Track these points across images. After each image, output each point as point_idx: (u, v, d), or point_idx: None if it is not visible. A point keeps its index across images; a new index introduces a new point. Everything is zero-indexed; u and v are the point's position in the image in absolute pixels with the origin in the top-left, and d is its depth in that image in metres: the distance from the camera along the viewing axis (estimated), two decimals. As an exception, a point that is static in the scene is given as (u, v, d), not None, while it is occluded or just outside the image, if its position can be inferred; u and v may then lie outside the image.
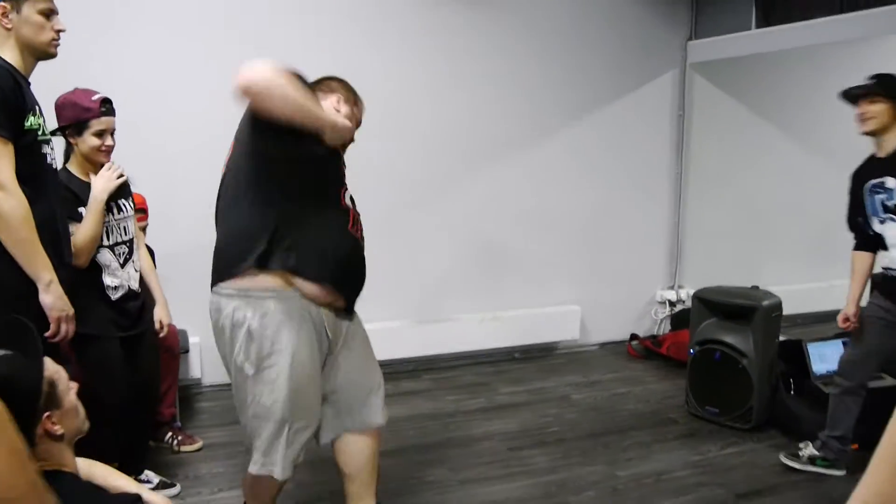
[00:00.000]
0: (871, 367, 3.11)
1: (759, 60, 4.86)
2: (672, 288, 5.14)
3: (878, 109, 2.83)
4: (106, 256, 2.68)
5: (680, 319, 4.87)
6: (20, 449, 0.99)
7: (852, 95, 2.93)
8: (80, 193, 2.63)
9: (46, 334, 2.14)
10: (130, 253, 2.80)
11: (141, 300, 2.84)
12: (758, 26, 4.42)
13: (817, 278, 5.49)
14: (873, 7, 3.69)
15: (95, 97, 2.64)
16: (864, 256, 3.05)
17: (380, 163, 4.18)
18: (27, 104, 2.16)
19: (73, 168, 2.68)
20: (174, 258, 3.62)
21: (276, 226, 2.06)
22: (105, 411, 2.48)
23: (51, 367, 1.40)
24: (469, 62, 4.42)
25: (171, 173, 3.80)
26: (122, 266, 2.74)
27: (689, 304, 4.87)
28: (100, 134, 2.65)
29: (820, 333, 4.39)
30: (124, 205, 2.80)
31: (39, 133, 2.20)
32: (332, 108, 2.23)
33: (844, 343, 3.81)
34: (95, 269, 2.65)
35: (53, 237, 2.23)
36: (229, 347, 2.12)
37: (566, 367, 4.63)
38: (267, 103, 1.90)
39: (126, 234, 2.78)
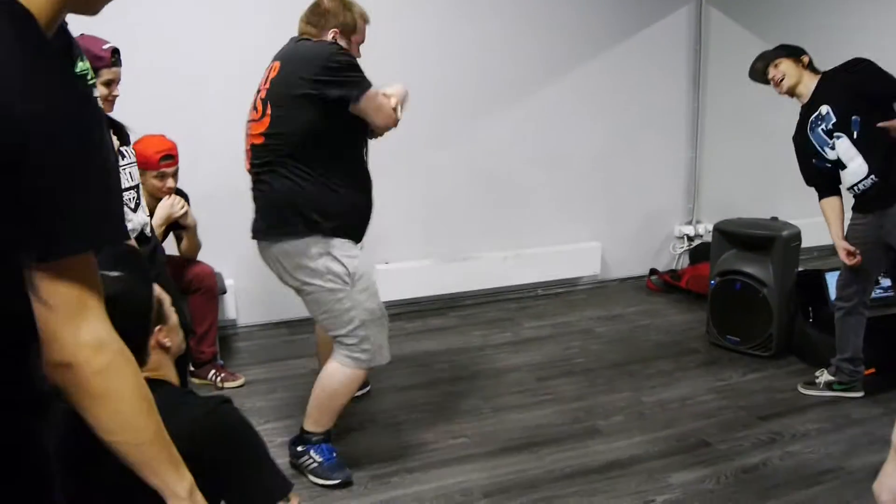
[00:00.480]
0: (866, 286, 3.23)
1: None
2: (690, 223, 5.22)
3: (784, 68, 3.11)
4: None
5: (698, 253, 4.97)
6: (147, 394, 1.06)
7: (757, 71, 3.22)
8: None
9: None
10: (139, 198, 2.89)
11: (153, 244, 2.90)
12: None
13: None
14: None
15: (106, 46, 2.66)
16: (833, 201, 3.22)
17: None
18: (74, 50, 2.20)
19: None
20: (207, 202, 3.71)
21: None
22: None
23: (156, 288, 1.55)
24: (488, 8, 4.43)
25: (201, 117, 3.86)
26: (134, 210, 2.84)
27: (707, 238, 4.95)
28: (108, 83, 2.68)
29: (837, 264, 4.49)
30: (126, 151, 2.87)
31: (89, 78, 2.25)
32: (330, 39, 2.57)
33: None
34: None
35: None
36: (321, 278, 2.49)
37: (587, 302, 4.75)
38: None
39: (132, 180, 2.86)
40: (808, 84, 3.12)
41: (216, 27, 3.90)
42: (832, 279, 3.87)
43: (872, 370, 3.47)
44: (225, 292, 3.85)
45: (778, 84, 3.16)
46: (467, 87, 4.47)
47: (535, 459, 2.81)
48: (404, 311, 4.48)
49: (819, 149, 3.12)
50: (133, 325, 1.42)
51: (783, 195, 5.14)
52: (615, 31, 4.80)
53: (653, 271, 5.10)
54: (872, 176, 2.99)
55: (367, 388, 3.38)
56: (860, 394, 3.29)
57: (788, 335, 3.76)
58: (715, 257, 3.94)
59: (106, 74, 2.67)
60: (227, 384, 3.49)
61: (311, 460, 2.65)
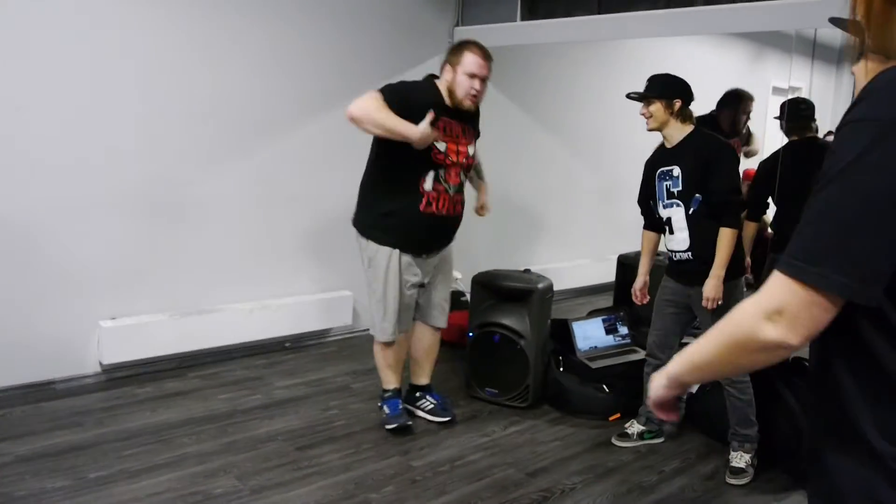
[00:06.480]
0: (673, 344, 3.30)
1: (521, 53, 5.09)
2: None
3: (653, 109, 3.13)
4: None
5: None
6: None
7: (633, 98, 3.20)
8: None
9: None
10: None
11: None
12: (522, 19, 4.59)
13: (564, 259, 5.95)
14: (629, 10, 3.99)
15: None
16: (651, 236, 3.39)
17: (136, 141, 3.75)
18: None
19: None
20: None
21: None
22: None
23: None
24: (225, 33, 4.05)
25: None
26: None
27: (457, 287, 4.98)
28: None
29: (572, 309, 4.76)
30: None
31: None
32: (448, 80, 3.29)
33: (604, 321, 4.16)
34: None
35: None
36: None
37: (341, 355, 4.50)
38: (363, 127, 3.11)
39: None
40: (675, 132, 3.13)
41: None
42: (578, 328, 4.05)
43: (618, 415, 3.67)
44: None
45: (646, 121, 3.15)
46: (212, 124, 4.05)
47: (307, 549, 2.49)
48: (135, 374, 3.86)
49: (657, 197, 3.19)
50: None
51: (521, 245, 5.40)
52: (371, 75, 4.66)
53: (404, 320, 5.00)
54: (690, 254, 3.11)
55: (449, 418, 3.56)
56: (663, 439, 3.46)
57: (543, 385, 3.84)
58: (473, 309, 3.93)
59: None
60: None
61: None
